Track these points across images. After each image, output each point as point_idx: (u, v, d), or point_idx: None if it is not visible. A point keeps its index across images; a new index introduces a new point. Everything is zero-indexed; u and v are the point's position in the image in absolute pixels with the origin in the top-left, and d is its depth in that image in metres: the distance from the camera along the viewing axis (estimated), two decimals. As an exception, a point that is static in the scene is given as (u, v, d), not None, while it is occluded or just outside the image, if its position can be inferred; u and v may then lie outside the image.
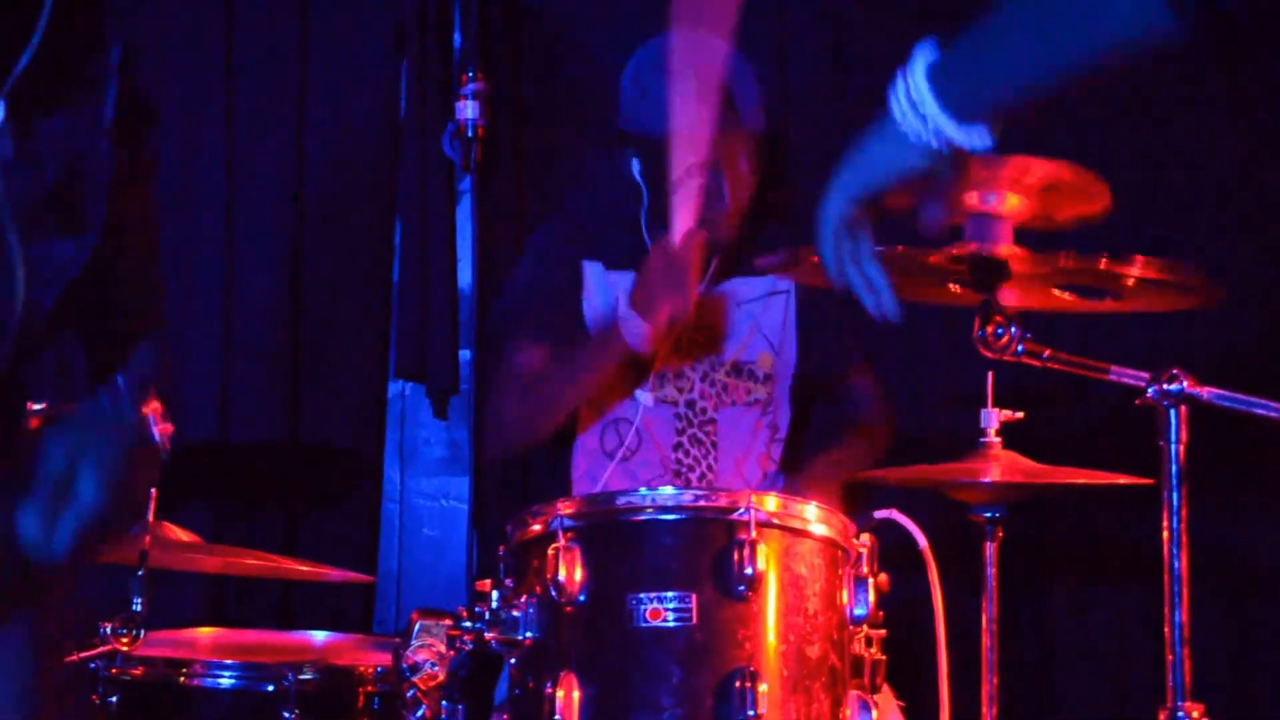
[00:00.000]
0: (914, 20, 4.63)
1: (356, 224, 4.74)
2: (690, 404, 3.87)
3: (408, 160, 4.69)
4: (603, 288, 3.91)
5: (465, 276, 4.72)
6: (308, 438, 4.65)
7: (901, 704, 3.29)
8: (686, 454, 3.86)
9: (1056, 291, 2.85)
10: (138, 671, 3.26)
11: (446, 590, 4.69)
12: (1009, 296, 2.73)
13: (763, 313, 3.93)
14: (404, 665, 2.71)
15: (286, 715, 3.15)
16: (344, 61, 4.74)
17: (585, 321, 3.90)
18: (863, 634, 2.80)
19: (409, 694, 2.72)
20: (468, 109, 4.54)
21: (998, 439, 3.21)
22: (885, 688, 2.88)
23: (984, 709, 3.26)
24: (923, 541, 3.01)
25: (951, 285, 2.82)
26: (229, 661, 3.29)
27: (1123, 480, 3.20)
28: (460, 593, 4.62)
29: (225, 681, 3.25)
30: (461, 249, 4.72)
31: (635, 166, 3.90)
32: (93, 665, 3.21)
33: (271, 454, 4.65)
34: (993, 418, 3.21)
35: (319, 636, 3.75)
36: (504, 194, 4.67)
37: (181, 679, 3.26)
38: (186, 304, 4.60)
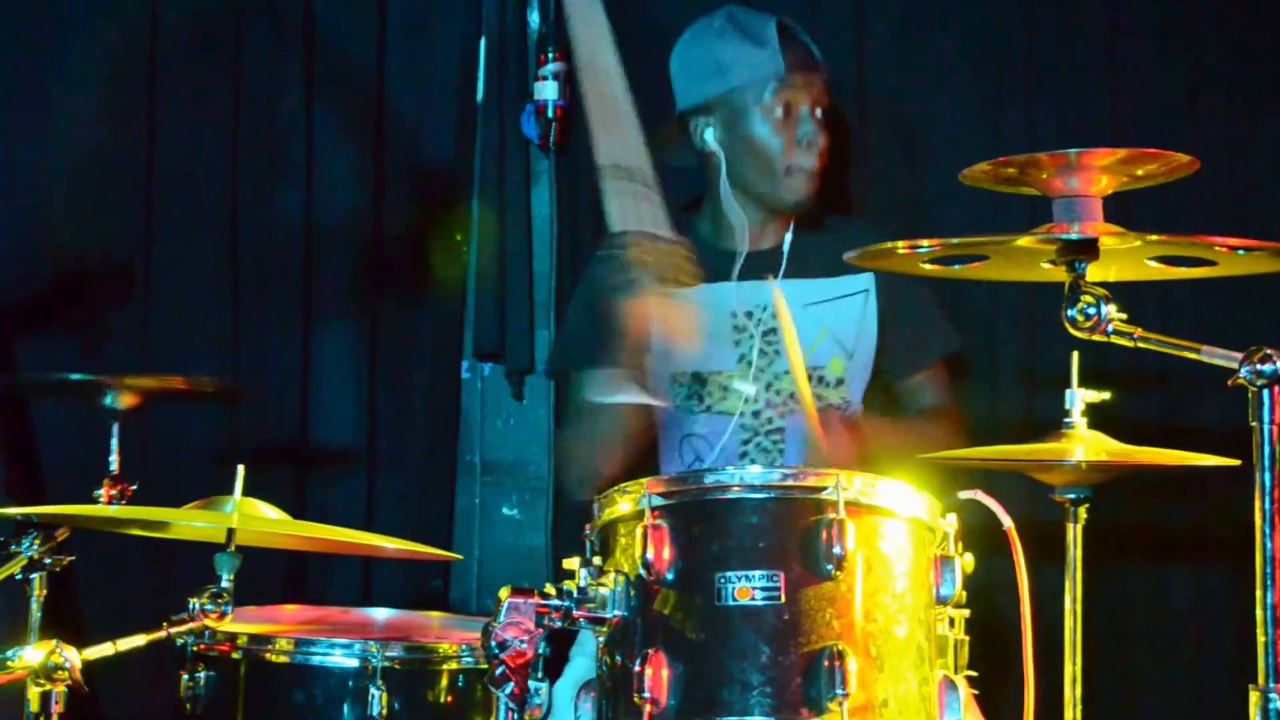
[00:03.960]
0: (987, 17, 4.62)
1: (434, 204, 4.75)
2: (756, 414, 3.87)
3: (486, 140, 4.70)
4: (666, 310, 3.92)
5: (543, 257, 4.74)
6: (386, 418, 4.68)
7: (974, 692, 3.28)
8: (753, 463, 3.86)
9: (1148, 263, 2.84)
10: (225, 647, 3.30)
11: (525, 569, 4.70)
12: (1100, 270, 2.72)
13: (834, 316, 3.91)
14: (493, 642, 2.72)
15: (374, 691, 3.17)
16: (422, 42, 4.76)
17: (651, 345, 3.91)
18: (946, 614, 2.81)
19: (498, 671, 2.72)
20: (547, 89, 4.57)
21: (1082, 419, 3.20)
22: (962, 678, 2.87)
23: (1066, 690, 3.25)
24: (1008, 522, 3.00)
25: (1043, 264, 2.81)
26: (316, 638, 3.31)
27: (1209, 461, 3.18)
28: (539, 572, 4.64)
29: (313, 658, 3.27)
30: (539, 229, 4.74)
31: (710, 134, 3.90)
32: (180, 641, 3.24)
33: (350, 433, 4.67)
34: (1077, 398, 3.20)
35: (401, 614, 3.77)
36: (582, 174, 4.67)
37: (269, 655, 3.29)
38: (267, 280, 4.64)
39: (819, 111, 3.87)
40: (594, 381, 3.77)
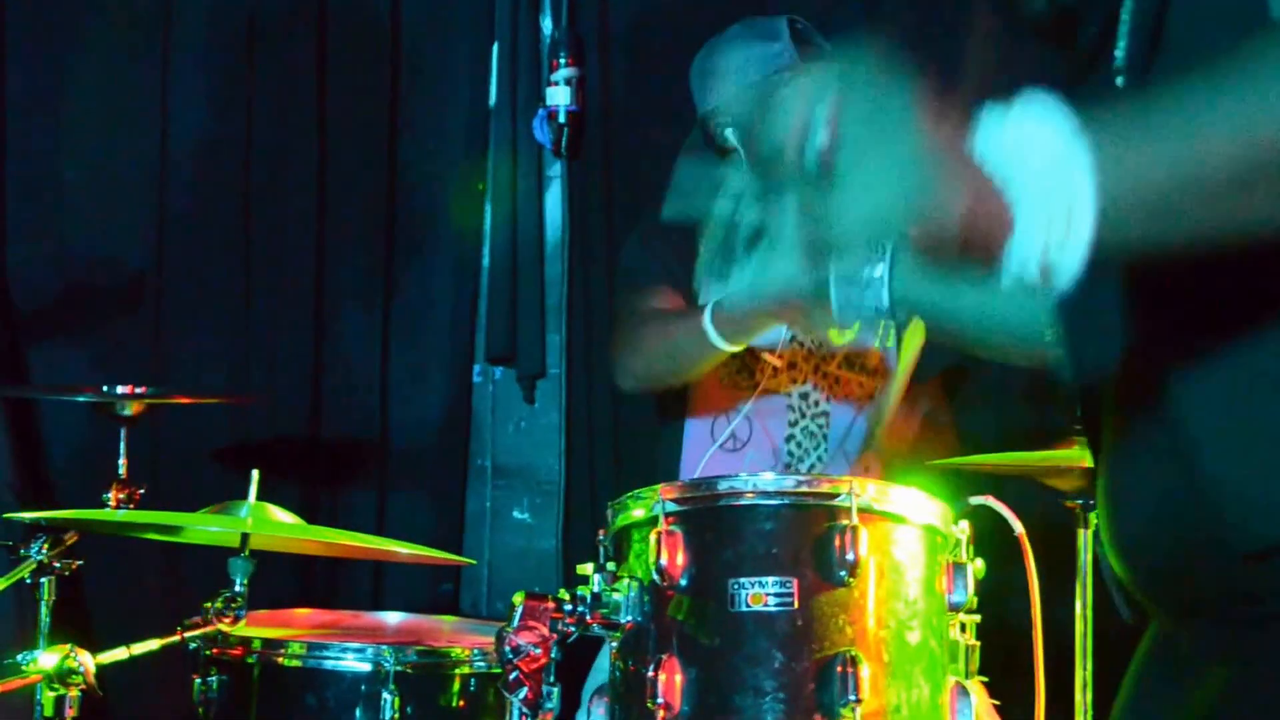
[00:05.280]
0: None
1: (446, 208, 4.77)
2: (804, 396, 3.87)
3: (498, 145, 4.72)
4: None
5: (554, 261, 4.75)
6: (398, 422, 4.69)
7: (996, 703, 3.28)
8: (799, 445, 3.87)
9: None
10: (237, 651, 3.29)
11: (536, 573, 4.72)
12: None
13: None
14: (507, 648, 2.72)
15: (386, 695, 3.17)
16: (435, 48, 4.77)
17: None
18: (957, 619, 2.81)
19: (512, 676, 2.73)
20: (559, 94, 4.58)
21: (1094, 426, 3.19)
22: (979, 686, 2.87)
23: (1077, 695, 3.26)
24: (1019, 528, 3.00)
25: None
26: (329, 643, 3.31)
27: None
28: (550, 576, 4.66)
29: (326, 662, 3.26)
30: (550, 234, 4.75)
31: (730, 132, 3.93)
32: (193, 645, 3.24)
33: (362, 438, 4.68)
34: (1089, 404, 3.20)
35: (413, 618, 3.78)
36: (594, 179, 4.69)
37: (282, 659, 3.29)
38: (278, 286, 4.65)
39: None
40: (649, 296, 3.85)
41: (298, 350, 4.65)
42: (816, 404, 3.88)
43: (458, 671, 3.31)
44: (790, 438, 3.88)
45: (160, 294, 4.59)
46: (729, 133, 3.94)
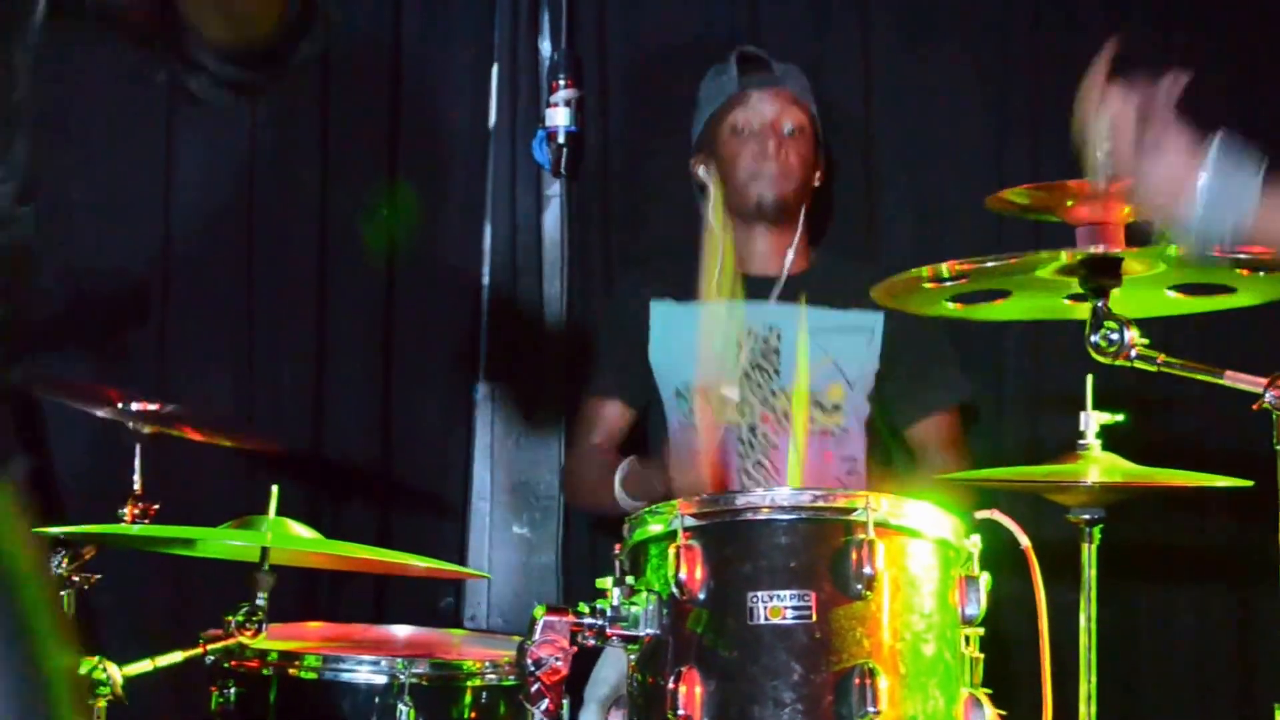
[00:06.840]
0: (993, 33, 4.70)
1: (447, 228, 4.80)
2: (753, 429, 3.96)
3: (498, 166, 4.76)
4: (670, 326, 4.06)
5: (553, 280, 4.78)
6: (400, 438, 4.71)
7: (1002, 713, 3.33)
8: (749, 477, 3.95)
9: (1167, 293, 2.90)
10: (254, 663, 3.32)
11: (537, 587, 4.74)
12: (1120, 304, 2.77)
13: (839, 345, 3.99)
14: (529, 660, 2.76)
15: (401, 707, 3.21)
16: (434, 70, 4.80)
17: (652, 367, 4.13)
18: (963, 633, 2.86)
19: (534, 688, 2.77)
20: (558, 115, 4.62)
21: (1097, 441, 3.25)
22: (985, 699, 2.92)
23: (1081, 707, 3.29)
24: (1025, 541, 3.05)
25: (1065, 300, 2.87)
26: (344, 655, 3.35)
27: (1223, 483, 3.24)
28: (550, 589, 4.68)
29: (342, 674, 3.30)
30: (549, 253, 4.79)
31: (702, 170, 4.09)
32: (210, 658, 3.28)
33: (365, 454, 4.70)
34: (1092, 420, 3.25)
35: (421, 631, 3.81)
36: (592, 198, 4.73)
37: (297, 672, 3.32)
38: (280, 305, 4.67)
39: (787, 126, 4.05)
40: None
41: (300, 368, 4.66)
42: (765, 437, 3.97)
43: (470, 683, 3.34)
44: (742, 470, 3.96)
45: (165, 308, 4.59)
46: (701, 170, 4.09)
